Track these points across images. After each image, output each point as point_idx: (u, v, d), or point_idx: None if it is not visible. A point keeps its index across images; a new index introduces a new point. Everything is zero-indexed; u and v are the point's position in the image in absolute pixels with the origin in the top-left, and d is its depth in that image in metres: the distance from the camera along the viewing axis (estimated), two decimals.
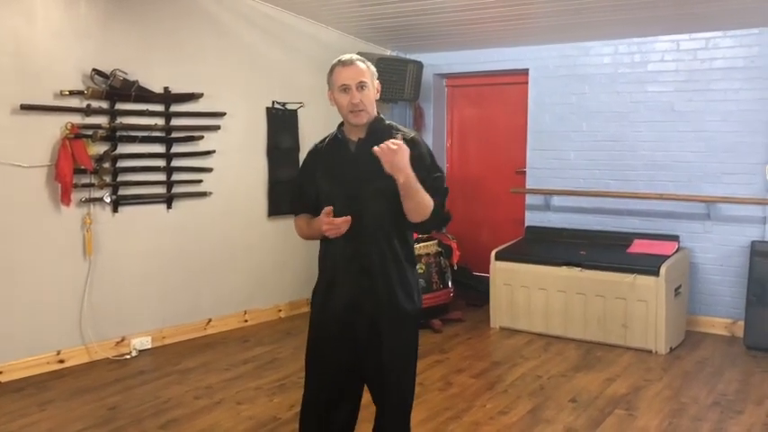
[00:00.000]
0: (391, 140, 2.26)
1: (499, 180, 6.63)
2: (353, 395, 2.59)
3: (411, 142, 2.39)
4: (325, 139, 2.60)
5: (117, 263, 4.76)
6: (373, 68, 2.49)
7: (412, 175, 2.28)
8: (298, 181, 2.67)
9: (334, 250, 2.47)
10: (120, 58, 4.65)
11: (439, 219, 2.46)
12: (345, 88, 2.41)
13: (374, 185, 2.38)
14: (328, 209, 2.35)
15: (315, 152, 2.60)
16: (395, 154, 2.23)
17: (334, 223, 2.34)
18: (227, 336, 5.31)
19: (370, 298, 2.43)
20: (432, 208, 2.38)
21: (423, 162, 2.42)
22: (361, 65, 2.44)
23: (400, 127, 2.55)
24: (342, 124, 2.54)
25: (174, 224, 5.08)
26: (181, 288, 5.15)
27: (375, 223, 2.42)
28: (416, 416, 3.70)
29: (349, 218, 2.33)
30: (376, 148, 2.25)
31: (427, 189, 2.36)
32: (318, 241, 2.57)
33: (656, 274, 4.88)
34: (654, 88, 5.61)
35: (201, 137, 5.17)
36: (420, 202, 2.35)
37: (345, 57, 2.47)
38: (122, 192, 4.75)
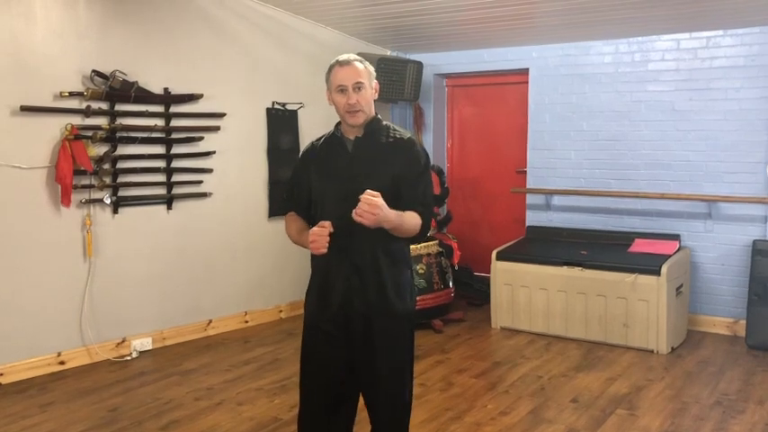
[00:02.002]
0: (364, 197, 2.24)
1: (500, 180, 6.62)
2: (352, 398, 2.57)
3: (409, 142, 2.48)
4: (322, 137, 2.59)
5: (117, 264, 4.76)
6: (371, 68, 2.48)
7: (394, 216, 2.31)
8: (291, 179, 2.67)
9: (329, 249, 2.44)
10: (120, 59, 4.65)
11: (425, 232, 2.48)
12: (342, 89, 2.41)
13: (369, 185, 2.35)
14: (327, 222, 2.32)
15: (310, 150, 2.59)
16: (376, 210, 2.23)
17: (321, 234, 2.30)
18: (228, 337, 5.31)
19: (360, 297, 2.42)
20: (419, 226, 2.43)
21: (416, 165, 2.47)
22: (359, 65, 2.44)
23: (397, 128, 2.57)
24: (339, 123, 2.54)
25: (174, 225, 5.08)
26: (181, 289, 5.15)
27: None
28: (418, 416, 3.71)
29: (327, 237, 2.31)
30: (355, 216, 2.23)
31: (415, 197, 2.42)
32: None
33: (658, 273, 4.87)
34: (654, 87, 5.61)
35: (201, 138, 5.16)
36: (409, 230, 2.41)
37: (343, 57, 2.46)
38: (122, 193, 4.75)
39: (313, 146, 2.59)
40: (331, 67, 2.46)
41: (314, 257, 2.53)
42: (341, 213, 2.35)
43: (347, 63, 2.43)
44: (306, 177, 2.54)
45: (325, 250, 2.32)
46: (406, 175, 2.44)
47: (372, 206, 2.22)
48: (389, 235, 2.44)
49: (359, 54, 6.54)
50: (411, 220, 2.40)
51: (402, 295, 2.49)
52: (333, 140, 2.54)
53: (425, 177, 2.49)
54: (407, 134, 2.54)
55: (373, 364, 2.46)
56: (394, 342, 2.49)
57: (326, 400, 2.53)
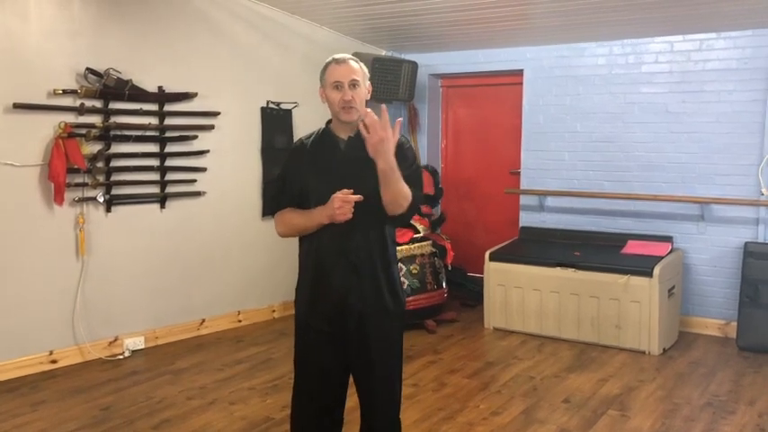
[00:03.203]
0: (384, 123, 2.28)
1: (493, 180, 6.63)
2: (343, 398, 2.60)
3: (398, 142, 2.45)
4: (312, 135, 2.59)
5: (110, 263, 4.74)
6: (365, 69, 2.52)
7: (393, 161, 2.32)
8: (281, 176, 2.60)
9: (320, 247, 2.47)
10: (114, 57, 4.64)
11: (414, 210, 2.48)
12: (338, 85, 2.44)
13: (364, 184, 2.39)
14: (347, 191, 2.35)
15: (300, 148, 2.58)
16: (385, 137, 2.27)
17: (348, 200, 2.32)
18: (221, 336, 5.30)
19: (357, 295, 2.45)
20: (410, 200, 2.42)
21: (407, 157, 2.50)
22: (354, 64, 2.48)
23: None
24: (330, 121, 2.56)
25: (167, 224, 5.07)
26: (174, 288, 5.14)
27: (364, 221, 2.43)
28: (410, 416, 3.72)
29: (359, 197, 2.34)
30: (362, 126, 2.27)
31: (406, 180, 2.41)
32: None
33: (650, 274, 4.89)
34: (648, 89, 5.63)
35: (195, 136, 5.15)
36: (398, 192, 2.37)
37: (339, 55, 2.50)
38: (116, 191, 4.74)
39: (303, 143, 2.58)
40: (327, 65, 2.50)
41: (305, 256, 2.54)
42: None
43: (343, 61, 2.47)
44: (298, 174, 2.53)
45: (350, 216, 2.34)
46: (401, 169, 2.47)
47: (384, 130, 2.26)
48: (383, 231, 2.49)
49: (354, 54, 6.53)
50: (405, 187, 2.40)
51: (396, 294, 2.54)
52: (325, 139, 2.54)
53: (417, 171, 2.53)
54: (402, 137, 2.55)
55: (370, 363, 2.50)
56: (388, 340, 2.54)
57: (322, 402, 2.55)
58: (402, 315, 2.58)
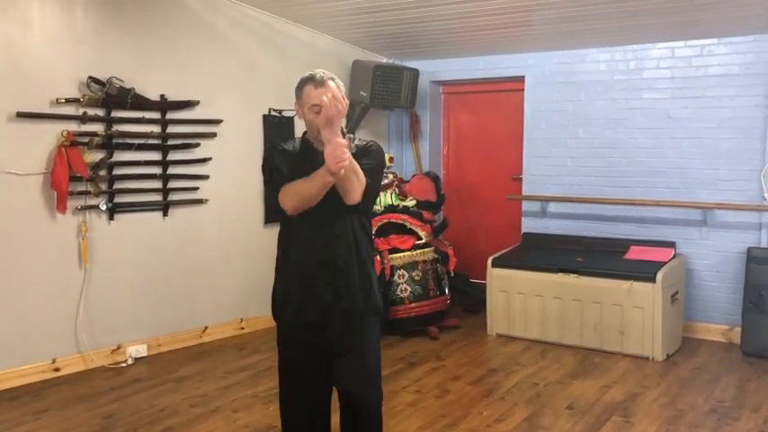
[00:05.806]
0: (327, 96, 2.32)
1: (495, 187, 6.63)
2: (329, 402, 2.67)
3: (368, 145, 2.61)
4: (290, 143, 2.60)
5: (113, 271, 4.75)
6: (341, 84, 2.54)
7: (347, 142, 2.34)
8: (275, 161, 2.53)
9: (305, 255, 2.51)
10: (117, 66, 4.66)
11: (366, 202, 2.51)
12: (317, 110, 2.44)
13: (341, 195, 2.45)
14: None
15: (285, 152, 2.56)
16: (338, 114, 2.31)
17: (331, 104, 2.29)
18: (224, 343, 5.30)
19: (345, 297, 2.52)
20: (363, 187, 2.44)
21: (370, 158, 2.55)
22: (332, 84, 2.49)
23: (362, 138, 2.70)
24: (305, 133, 2.61)
25: (170, 232, 5.07)
26: (177, 296, 5.14)
27: (346, 228, 2.50)
28: (413, 423, 3.72)
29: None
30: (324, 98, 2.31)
31: (366, 171, 2.46)
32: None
33: (653, 280, 4.88)
34: (649, 95, 5.63)
35: (198, 144, 5.17)
36: (355, 180, 2.39)
37: (318, 75, 2.49)
38: (118, 199, 4.75)
39: (286, 149, 2.57)
40: (303, 84, 2.51)
41: (289, 263, 2.56)
42: (319, 223, 2.46)
43: (321, 83, 2.46)
44: (288, 165, 2.51)
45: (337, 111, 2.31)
46: (362, 162, 2.50)
47: (335, 100, 2.29)
48: (364, 236, 2.56)
49: (354, 62, 6.50)
50: (360, 173, 2.41)
51: (377, 291, 2.63)
52: (305, 149, 2.57)
53: (375, 168, 2.56)
54: (371, 141, 2.66)
55: (354, 362, 2.56)
56: (371, 337, 2.62)
57: (310, 410, 2.63)
58: (378, 311, 2.64)
